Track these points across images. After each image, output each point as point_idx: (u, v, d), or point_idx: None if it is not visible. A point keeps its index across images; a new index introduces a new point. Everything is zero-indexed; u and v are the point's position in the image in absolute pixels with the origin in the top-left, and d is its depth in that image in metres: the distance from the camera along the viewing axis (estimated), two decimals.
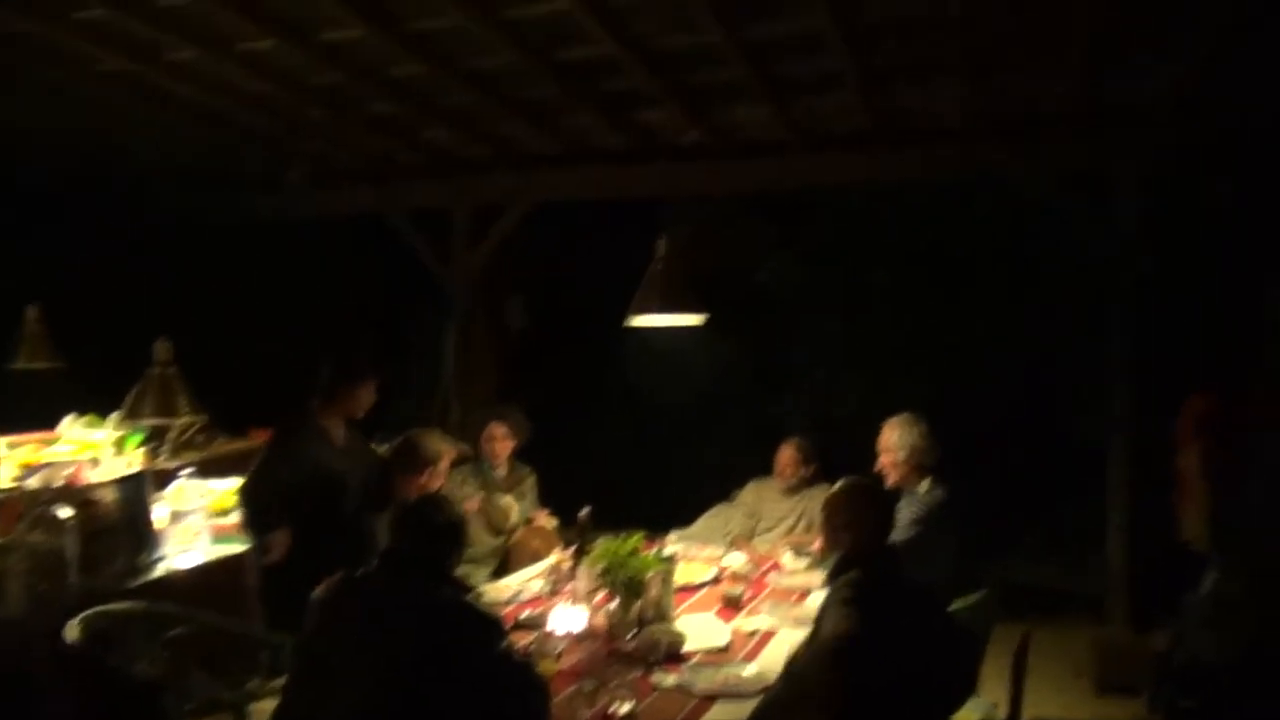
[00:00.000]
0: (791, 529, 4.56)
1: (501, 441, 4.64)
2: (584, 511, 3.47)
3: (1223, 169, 5.36)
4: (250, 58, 4.36)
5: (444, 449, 3.58)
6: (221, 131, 5.48)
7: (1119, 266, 4.88)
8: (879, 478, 3.74)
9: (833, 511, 2.61)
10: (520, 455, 4.78)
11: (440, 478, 3.52)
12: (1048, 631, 2.92)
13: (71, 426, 4.40)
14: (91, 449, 4.15)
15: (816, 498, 4.55)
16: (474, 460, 4.69)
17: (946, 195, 6.54)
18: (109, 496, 3.36)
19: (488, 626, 2.26)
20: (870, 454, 3.93)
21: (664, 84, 4.51)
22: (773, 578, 3.84)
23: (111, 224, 6.50)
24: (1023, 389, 6.58)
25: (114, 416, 4.22)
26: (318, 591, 2.28)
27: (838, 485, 2.68)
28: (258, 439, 5.11)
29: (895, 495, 3.66)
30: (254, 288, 6.86)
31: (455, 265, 6.33)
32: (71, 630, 2.56)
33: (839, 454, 4.75)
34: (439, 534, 2.34)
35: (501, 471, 4.68)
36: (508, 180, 6.11)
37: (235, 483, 4.10)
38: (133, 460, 4.24)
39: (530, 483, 4.79)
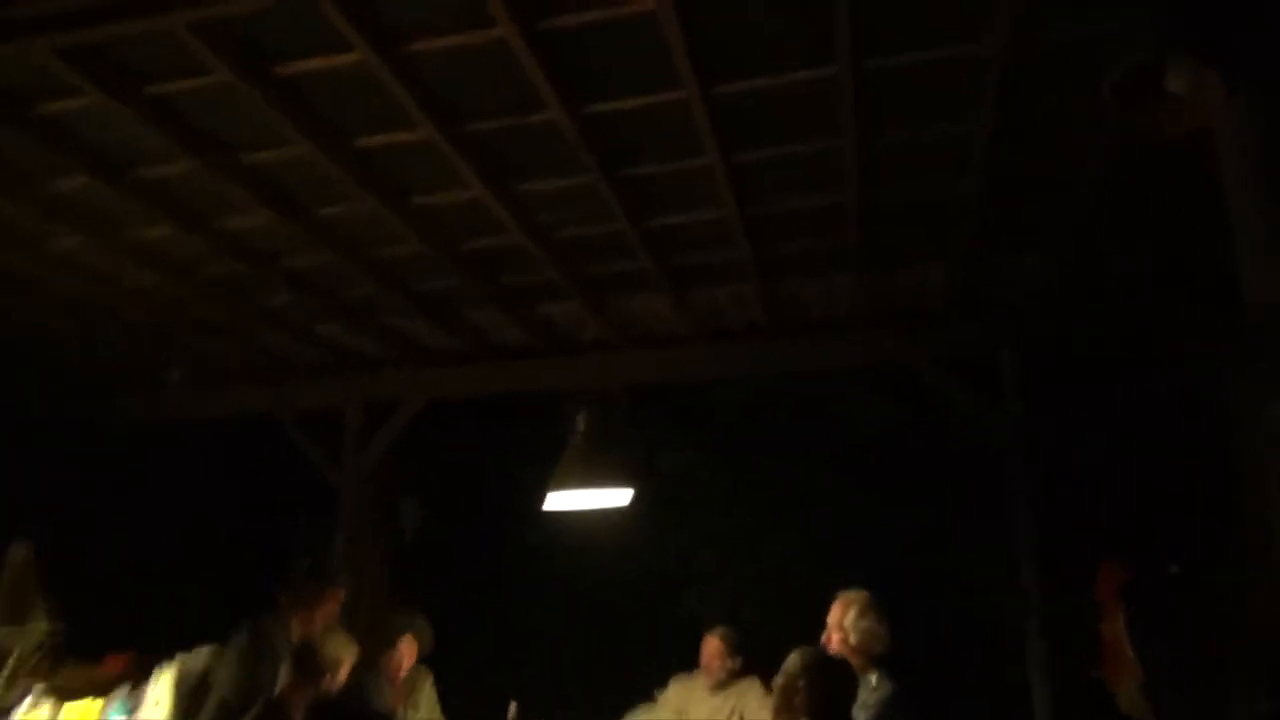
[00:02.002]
0: None
1: (407, 654, 4.32)
2: (512, 709, 3.15)
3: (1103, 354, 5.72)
4: (140, 246, 4.21)
5: (344, 654, 3.25)
6: (97, 327, 5.20)
7: (1013, 448, 5.03)
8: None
9: (789, 686, 2.42)
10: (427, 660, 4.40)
11: (338, 678, 3.15)
12: None
13: None
14: None
15: (747, 694, 4.29)
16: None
17: (844, 386, 6.75)
18: None
19: None
20: (781, 656, 3.74)
21: (567, 274, 4.57)
22: None
23: None
24: (933, 577, 6.57)
25: None
26: None
27: (794, 657, 2.50)
28: (113, 667, 4.52)
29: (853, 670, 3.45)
30: (125, 492, 6.34)
31: (346, 467, 6.03)
32: None
33: (755, 646, 4.57)
34: None
35: (401, 684, 4.26)
36: (403, 377, 5.96)
37: (88, 704, 3.58)
38: None
39: (428, 684, 4.40)
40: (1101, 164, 3.47)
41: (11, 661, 4.22)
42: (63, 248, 4.18)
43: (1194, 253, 3.96)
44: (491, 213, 3.86)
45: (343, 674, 3.23)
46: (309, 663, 3.12)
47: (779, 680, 2.49)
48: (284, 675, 3.08)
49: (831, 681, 2.43)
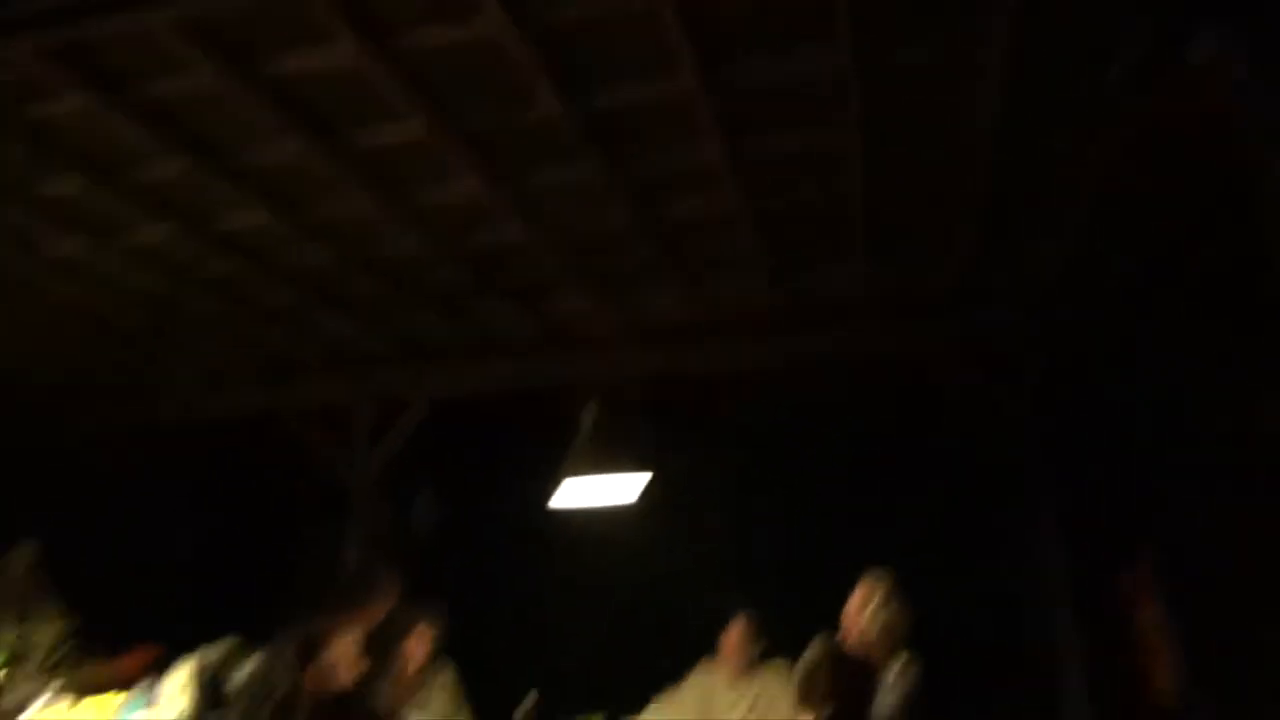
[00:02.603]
0: None
1: (419, 644, 4.08)
2: (529, 699, 3.08)
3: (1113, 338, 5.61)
4: (138, 248, 4.16)
5: (351, 654, 3.13)
6: (100, 331, 5.16)
7: (1027, 440, 4.95)
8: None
9: (810, 676, 2.33)
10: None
11: (344, 671, 3.04)
12: None
13: None
14: None
15: (769, 681, 4.22)
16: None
17: (856, 376, 6.64)
18: None
19: None
20: (802, 645, 3.67)
21: (572, 269, 4.50)
22: None
23: None
24: (952, 569, 6.47)
25: None
26: None
27: (811, 651, 2.41)
28: (138, 661, 4.51)
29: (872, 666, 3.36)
30: (134, 493, 6.33)
31: (357, 466, 5.99)
32: None
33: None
34: None
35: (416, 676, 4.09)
36: (411, 375, 5.93)
37: (105, 699, 3.56)
38: None
39: (443, 679, 4.20)
40: (1113, 148, 3.36)
41: (38, 655, 4.21)
42: (60, 251, 4.13)
43: (1207, 237, 3.86)
44: (492, 208, 3.79)
45: (348, 674, 3.10)
46: (313, 660, 3.03)
47: (799, 671, 2.41)
48: (290, 673, 3.00)
49: (852, 669, 2.34)
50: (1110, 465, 5.40)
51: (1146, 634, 3.53)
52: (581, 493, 3.65)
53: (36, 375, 5.87)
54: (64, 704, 3.33)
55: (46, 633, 4.10)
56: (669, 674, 4.64)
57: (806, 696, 2.36)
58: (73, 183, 3.47)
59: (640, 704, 4.54)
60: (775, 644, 4.38)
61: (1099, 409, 5.44)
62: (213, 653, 4.01)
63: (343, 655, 3.06)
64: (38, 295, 4.56)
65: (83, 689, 3.88)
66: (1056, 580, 4.71)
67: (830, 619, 3.71)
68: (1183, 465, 4.57)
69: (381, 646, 4.33)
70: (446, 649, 4.30)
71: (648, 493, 4.61)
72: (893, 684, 3.45)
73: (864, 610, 3.59)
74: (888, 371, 6.42)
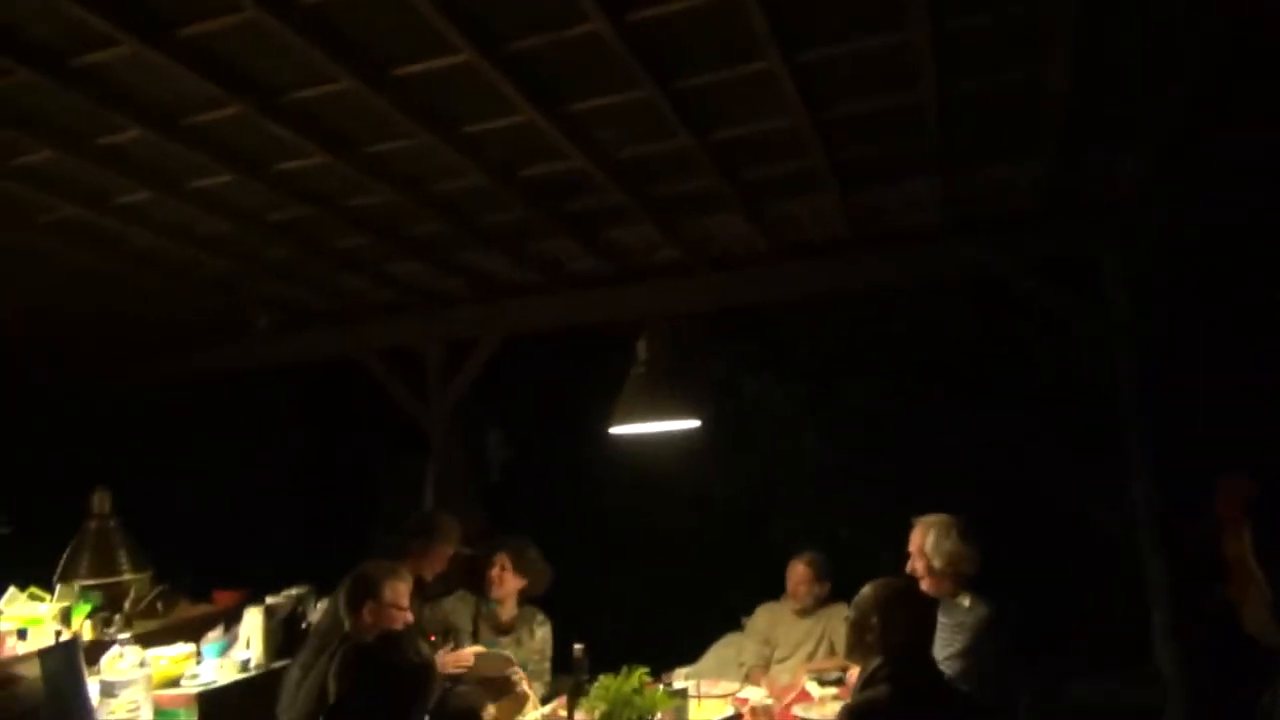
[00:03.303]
0: (811, 655, 4.16)
1: (501, 574, 4.08)
2: (578, 648, 3.08)
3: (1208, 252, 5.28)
4: (205, 195, 4.21)
5: (389, 580, 3.15)
6: (179, 279, 5.29)
7: (1118, 356, 4.70)
8: (911, 579, 3.39)
9: (862, 617, 2.27)
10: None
11: (393, 614, 3.08)
12: None
13: (12, 601, 4.01)
14: (33, 623, 3.75)
15: (835, 617, 4.19)
16: (479, 595, 4.16)
17: (931, 302, 6.43)
18: (32, 672, 2.94)
19: None
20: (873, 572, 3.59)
21: (633, 197, 4.39)
22: (799, 710, 3.42)
23: (54, 379, 6.21)
24: (1027, 495, 6.29)
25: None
26: None
27: (866, 591, 2.36)
28: (223, 602, 4.69)
29: (934, 601, 3.28)
30: (210, 437, 6.55)
31: (431, 403, 6.09)
32: None
33: (842, 576, 4.45)
34: (394, 680, 1.96)
35: (505, 610, 4.11)
36: (481, 312, 5.97)
37: (184, 649, 3.69)
38: (74, 631, 3.84)
39: (540, 634, 4.14)
40: (1204, 38, 3.08)
41: (128, 601, 4.41)
42: (131, 201, 4.21)
43: None
44: (545, 136, 3.70)
45: (389, 597, 3.09)
46: (350, 589, 3.04)
47: (850, 616, 2.35)
48: (353, 618, 3.03)
49: (906, 615, 2.27)
50: (1202, 390, 5.14)
51: (1234, 563, 3.35)
52: (645, 420, 3.59)
53: (118, 323, 6.07)
54: (143, 651, 3.43)
55: (129, 580, 4.22)
56: (737, 609, 4.62)
57: (858, 644, 2.29)
58: (130, 132, 3.50)
59: (708, 640, 4.55)
60: (844, 583, 4.32)
61: (1190, 331, 5.16)
62: (284, 599, 4.13)
63: (398, 600, 3.08)
64: (113, 244, 4.67)
65: (165, 635, 4.01)
66: (1143, 509, 4.51)
67: (902, 554, 3.63)
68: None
69: (466, 581, 4.40)
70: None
71: (715, 420, 4.55)
72: (959, 623, 3.36)
73: (924, 546, 3.50)
74: (967, 292, 6.19)
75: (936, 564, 3.43)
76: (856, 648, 2.31)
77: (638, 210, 4.55)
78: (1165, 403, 4.69)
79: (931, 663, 2.29)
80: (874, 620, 2.26)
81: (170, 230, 4.59)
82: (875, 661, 2.22)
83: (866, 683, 2.19)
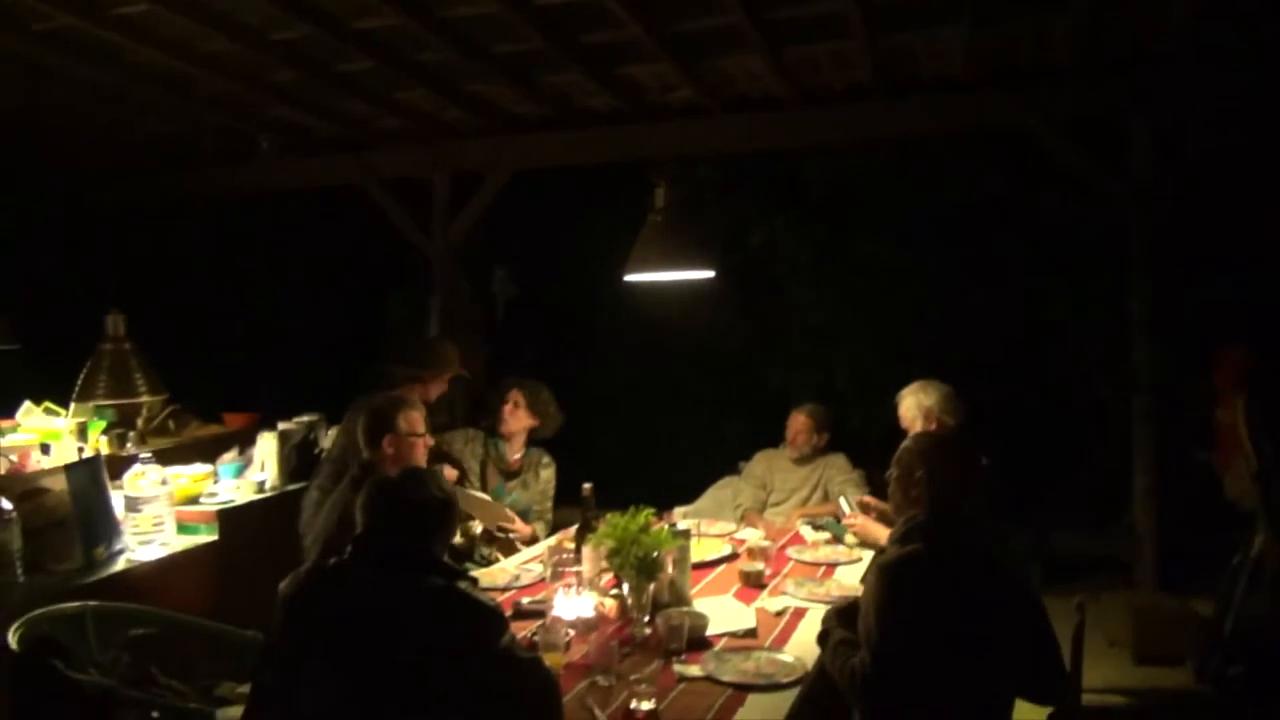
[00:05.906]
0: (805, 500, 4.31)
1: (514, 410, 4.06)
2: (587, 486, 3.18)
3: (1238, 117, 5.13)
4: (205, 8, 4.03)
5: (402, 411, 3.11)
6: (181, 96, 5.13)
7: (1135, 219, 4.66)
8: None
9: (905, 476, 2.23)
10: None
11: (413, 441, 3.09)
12: (1075, 600, 2.66)
13: (29, 414, 4.10)
14: (51, 437, 3.85)
15: (831, 466, 4.32)
16: (490, 431, 4.17)
17: (946, 155, 6.29)
18: (58, 485, 3.04)
19: (487, 618, 1.96)
20: (870, 426, 3.66)
21: (651, 32, 4.21)
22: (794, 552, 3.57)
23: (62, 202, 6.13)
24: (1033, 351, 6.36)
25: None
26: (284, 585, 2.00)
27: (909, 443, 2.31)
28: (234, 424, 4.80)
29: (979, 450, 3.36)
30: (218, 265, 6.53)
31: (436, 236, 6.05)
32: (14, 634, 2.27)
33: (839, 428, 4.55)
34: (416, 513, 2.03)
35: (512, 449, 4.14)
36: (489, 145, 5.84)
37: (203, 469, 3.80)
38: (93, 446, 3.95)
39: (545, 475, 4.20)
40: None
41: (141, 418, 4.50)
42: (130, 13, 4.03)
43: None
44: None
45: (404, 428, 3.06)
46: (380, 433, 3.07)
47: (892, 472, 2.29)
48: (366, 448, 3.07)
49: (955, 466, 2.22)
50: (1209, 258, 5.11)
51: (1225, 431, 3.43)
52: (659, 269, 3.58)
53: (123, 135, 5.93)
54: (159, 469, 3.51)
55: (142, 399, 4.27)
56: (735, 454, 4.73)
57: (903, 501, 2.21)
58: None
59: (705, 483, 4.67)
60: (841, 434, 4.41)
61: (1204, 196, 5.08)
62: (296, 424, 4.20)
63: (414, 428, 3.09)
64: (113, 55, 4.50)
65: (179, 453, 4.11)
66: (1140, 369, 4.57)
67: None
68: None
69: (471, 417, 4.45)
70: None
71: (724, 270, 4.53)
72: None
73: (912, 408, 3.55)
74: (989, 143, 6.05)
75: (919, 425, 3.47)
76: (902, 505, 2.22)
77: (654, 47, 4.37)
78: (1173, 272, 4.69)
79: (969, 519, 2.19)
80: (919, 474, 2.19)
81: (170, 46, 4.41)
82: (912, 516, 2.18)
83: (904, 538, 2.14)
